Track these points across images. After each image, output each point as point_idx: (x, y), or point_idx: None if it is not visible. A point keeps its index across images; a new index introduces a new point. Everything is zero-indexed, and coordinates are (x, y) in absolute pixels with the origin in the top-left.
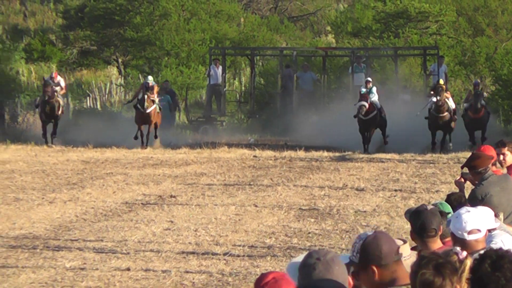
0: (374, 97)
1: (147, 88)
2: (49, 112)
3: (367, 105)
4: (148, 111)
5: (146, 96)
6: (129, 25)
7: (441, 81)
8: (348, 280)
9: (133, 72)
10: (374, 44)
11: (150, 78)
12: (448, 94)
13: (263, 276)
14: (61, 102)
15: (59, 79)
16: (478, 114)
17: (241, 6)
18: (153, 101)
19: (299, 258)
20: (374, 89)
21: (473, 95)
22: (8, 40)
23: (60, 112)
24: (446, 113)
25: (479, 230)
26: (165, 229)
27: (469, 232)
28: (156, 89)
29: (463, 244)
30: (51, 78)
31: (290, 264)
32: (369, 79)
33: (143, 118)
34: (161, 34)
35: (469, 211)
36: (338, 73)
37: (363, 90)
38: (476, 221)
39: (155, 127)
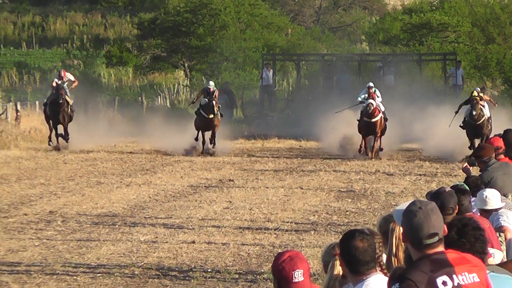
0: (378, 100)
1: (209, 93)
2: (60, 116)
3: (374, 104)
4: (212, 117)
5: (214, 102)
6: (194, 35)
7: (475, 92)
8: (444, 228)
9: (197, 75)
10: (401, 50)
11: (212, 83)
12: (483, 102)
13: (280, 254)
14: (70, 102)
15: (68, 75)
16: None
17: (289, 19)
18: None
19: (404, 205)
20: (378, 92)
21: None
22: (91, 48)
23: (70, 111)
24: (482, 121)
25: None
26: (225, 208)
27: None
28: (217, 93)
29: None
30: (60, 77)
31: (396, 210)
32: (371, 84)
33: (206, 124)
34: (221, 43)
35: (489, 192)
36: (371, 75)
37: (361, 97)
38: (495, 199)
39: (214, 134)
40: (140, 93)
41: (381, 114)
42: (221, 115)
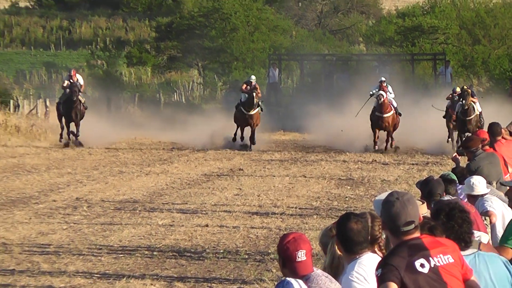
0: (390, 96)
1: (252, 88)
2: (72, 113)
3: (385, 95)
4: (252, 113)
5: (254, 94)
6: (207, 37)
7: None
8: (419, 217)
9: (209, 73)
10: (395, 51)
11: (253, 77)
12: (475, 99)
13: (284, 236)
14: (83, 100)
15: (78, 77)
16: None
17: (293, 22)
18: (258, 103)
19: (383, 195)
20: (390, 88)
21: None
22: (113, 49)
23: (83, 109)
24: (473, 116)
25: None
26: (235, 194)
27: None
28: (258, 88)
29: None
30: (70, 77)
31: (376, 200)
32: (383, 78)
33: (245, 119)
34: (231, 44)
35: (475, 179)
36: (368, 74)
37: (372, 90)
38: (481, 185)
39: (253, 131)
40: (158, 90)
41: (393, 111)
42: (262, 110)
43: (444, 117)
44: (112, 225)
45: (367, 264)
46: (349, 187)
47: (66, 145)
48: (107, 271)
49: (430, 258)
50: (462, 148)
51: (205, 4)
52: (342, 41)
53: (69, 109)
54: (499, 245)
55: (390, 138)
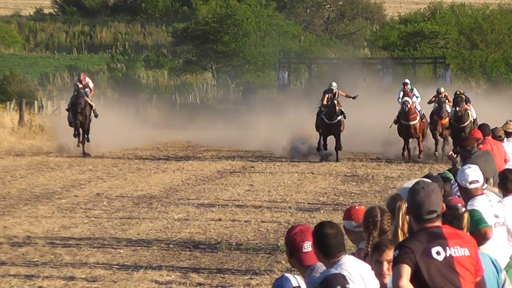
0: (417, 100)
1: (334, 95)
2: (80, 120)
3: (411, 101)
4: (334, 121)
5: (336, 102)
6: (220, 42)
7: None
8: (442, 206)
9: (223, 76)
10: (398, 55)
11: (334, 84)
12: (468, 106)
13: (292, 228)
14: (93, 106)
15: (88, 81)
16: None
17: (301, 28)
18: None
19: (410, 183)
20: (416, 91)
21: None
22: (132, 53)
23: (91, 116)
24: (467, 123)
25: (477, 181)
26: (247, 190)
27: (471, 182)
28: (338, 94)
29: (466, 191)
30: (79, 80)
31: (402, 187)
32: (407, 81)
33: (328, 128)
34: (243, 48)
35: (470, 167)
36: (372, 76)
37: (400, 96)
38: (475, 174)
39: (338, 139)
40: (174, 91)
41: (419, 117)
42: (345, 117)
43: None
44: (130, 219)
45: (349, 265)
46: (354, 183)
47: (81, 147)
48: (126, 263)
49: (447, 248)
50: (458, 148)
51: (219, 10)
52: (348, 46)
53: (76, 114)
54: (473, 231)
55: (419, 146)
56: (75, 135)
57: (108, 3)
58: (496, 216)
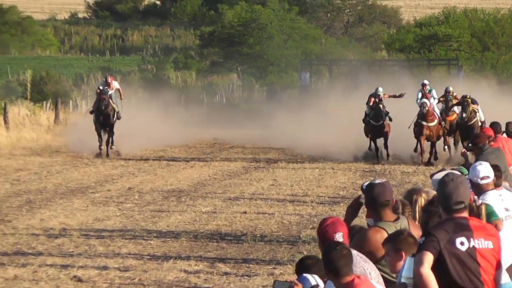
0: (434, 102)
1: (380, 100)
2: (103, 120)
3: (429, 103)
4: (380, 123)
5: (381, 106)
6: (245, 44)
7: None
8: (470, 197)
9: (247, 77)
10: (414, 57)
11: (381, 89)
12: (476, 106)
13: (324, 220)
14: (116, 108)
15: (115, 84)
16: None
17: (322, 31)
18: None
19: (441, 174)
20: (434, 92)
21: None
22: (162, 55)
23: (115, 118)
24: (474, 121)
25: (488, 177)
26: (270, 185)
27: (482, 178)
28: (386, 95)
29: (478, 187)
30: (106, 83)
31: (433, 179)
32: (426, 81)
33: (375, 131)
34: (267, 50)
35: (481, 164)
36: (389, 77)
37: (419, 97)
38: (486, 170)
39: (386, 140)
40: (201, 91)
41: (437, 119)
42: (390, 119)
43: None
44: (160, 212)
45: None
46: (372, 178)
47: (98, 155)
48: (156, 253)
49: (471, 239)
50: (471, 145)
51: (244, 15)
52: (366, 48)
53: (100, 118)
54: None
55: (434, 150)
56: (100, 144)
57: (139, 8)
58: (507, 210)
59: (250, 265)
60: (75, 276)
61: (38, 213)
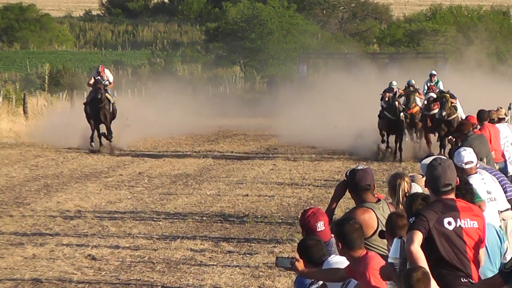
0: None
1: (395, 94)
2: (99, 112)
3: (435, 96)
4: (398, 118)
5: (396, 103)
6: (247, 39)
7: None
8: (456, 180)
9: (249, 69)
10: (403, 50)
11: (395, 83)
12: (454, 100)
13: (305, 211)
14: (112, 99)
15: (107, 72)
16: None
17: (319, 27)
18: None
19: (429, 159)
20: (441, 84)
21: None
22: (170, 49)
23: (111, 110)
24: (454, 116)
25: (472, 162)
26: (270, 169)
27: (466, 163)
28: (400, 90)
29: (462, 171)
30: (98, 73)
31: (422, 163)
32: (434, 72)
33: (391, 126)
34: (267, 45)
35: (465, 150)
36: (381, 69)
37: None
38: (470, 156)
39: (401, 136)
40: (207, 83)
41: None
42: (406, 116)
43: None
44: (168, 195)
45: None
46: (365, 163)
47: (95, 151)
48: (164, 233)
49: (458, 219)
50: (456, 131)
51: (246, 12)
52: (359, 42)
53: (96, 110)
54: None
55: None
56: (91, 137)
57: (149, 6)
58: (489, 192)
59: (252, 244)
60: (89, 255)
61: (55, 196)
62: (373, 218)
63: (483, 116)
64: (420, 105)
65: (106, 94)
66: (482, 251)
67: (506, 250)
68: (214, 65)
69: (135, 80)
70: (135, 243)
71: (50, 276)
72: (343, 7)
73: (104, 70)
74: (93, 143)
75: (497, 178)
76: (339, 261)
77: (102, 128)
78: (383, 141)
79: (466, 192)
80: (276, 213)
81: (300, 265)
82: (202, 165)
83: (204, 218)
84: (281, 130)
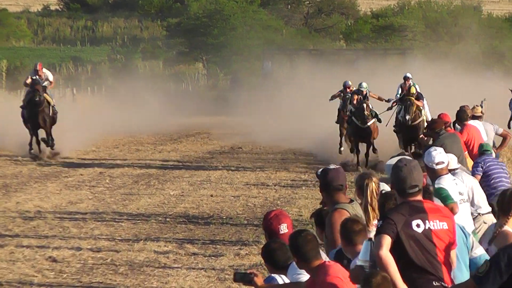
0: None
1: (364, 97)
2: (36, 115)
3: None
4: (368, 124)
5: (365, 105)
6: (210, 35)
7: (413, 89)
8: (423, 181)
9: (212, 66)
10: (371, 46)
11: (365, 84)
12: (421, 103)
13: (268, 213)
14: (51, 102)
15: (45, 71)
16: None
17: (283, 22)
18: (372, 114)
19: (393, 160)
20: (417, 88)
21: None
22: (130, 45)
23: (51, 113)
24: (419, 121)
25: (443, 162)
26: (235, 169)
27: (437, 164)
28: (371, 94)
29: (433, 171)
30: (35, 71)
31: (387, 164)
32: (409, 75)
33: (360, 133)
34: (231, 41)
35: (436, 150)
36: (347, 66)
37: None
38: (441, 156)
39: (371, 144)
40: (169, 80)
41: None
42: (379, 120)
43: (337, 121)
44: (130, 195)
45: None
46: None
47: (35, 158)
48: (127, 235)
49: (427, 221)
50: (428, 130)
51: (208, 7)
52: (325, 38)
53: (34, 113)
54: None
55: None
56: (30, 143)
57: (108, 0)
58: (461, 194)
59: (217, 245)
60: (50, 257)
61: (14, 197)
62: None
63: (463, 116)
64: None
65: (45, 95)
66: (453, 253)
67: (473, 245)
68: (176, 62)
69: (95, 77)
70: (97, 245)
71: (10, 279)
72: (308, 2)
73: (42, 68)
74: (32, 150)
75: (489, 167)
76: None
77: (42, 133)
78: (351, 150)
79: (425, 192)
80: (242, 214)
81: (259, 280)
82: (164, 165)
83: (167, 219)
84: (246, 129)
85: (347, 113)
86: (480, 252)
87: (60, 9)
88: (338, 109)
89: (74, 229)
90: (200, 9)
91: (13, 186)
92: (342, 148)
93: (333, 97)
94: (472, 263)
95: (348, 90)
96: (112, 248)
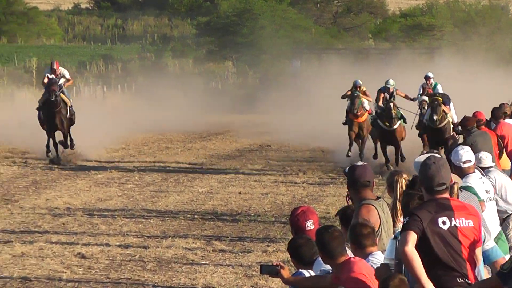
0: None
1: (390, 95)
2: (56, 119)
3: (426, 99)
4: (395, 127)
5: (391, 105)
6: (239, 34)
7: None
8: (451, 178)
9: (241, 64)
10: (399, 45)
11: (392, 82)
12: (447, 108)
13: (295, 209)
14: (69, 102)
15: (62, 70)
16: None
17: (312, 21)
18: (398, 115)
19: (422, 157)
20: (440, 88)
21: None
22: (160, 43)
23: (68, 115)
24: (444, 124)
25: (470, 161)
26: (264, 167)
27: (464, 162)
28: (399, 92)
29: (460, 170)
30: (52, 69)
31: (415, 161)
32: (430, 74)
33: (386, 136)
34: (260, 39)
35: (463, 148)
36: (375, 65)
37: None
38: (468, 154)
39: (398, 147)
40: (198, 78)
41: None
42: (405, 121)
43: (344, 123)
44: (159, 192)
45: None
46: (360, 162)
47: (53, 161)
48: (156, 232)
49: (453, 219)
50: (460, 127)
51: (238, 5)
52: (353, 37)
53: (51, 114)
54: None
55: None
56: (47, 145)
57: None
58: (487, 192)
59: (245, 242)
60: (79, 253)
61: (44, 193)
62: (376, 215)
63: (497, 114)
64: (369, 109)
65: (62, 96)
66: (478, 251)
67: (485, 239)
68: (206, 60)
69: (125, 75)
70: (126, 242)
71: (39, 275)
72: (337, 1)
73: (58, 66)
74: (50, 153)
75: None
76: None
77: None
78: (375, 156)
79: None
80: (270, 211)
81: (285, 272)
82: (193, 162)
83: (196, 216)
84: (274, 127)
85: (373, 113)
86: (491, 245)
87: (90, 8)
88: (346, 110)
89: (103, 225)
90: (230, 8)
91: (43, 183)
92: (350, 153)
93: (344, 96)
94: (484, 255)
95: (358, 89)
96: (140, 244)
